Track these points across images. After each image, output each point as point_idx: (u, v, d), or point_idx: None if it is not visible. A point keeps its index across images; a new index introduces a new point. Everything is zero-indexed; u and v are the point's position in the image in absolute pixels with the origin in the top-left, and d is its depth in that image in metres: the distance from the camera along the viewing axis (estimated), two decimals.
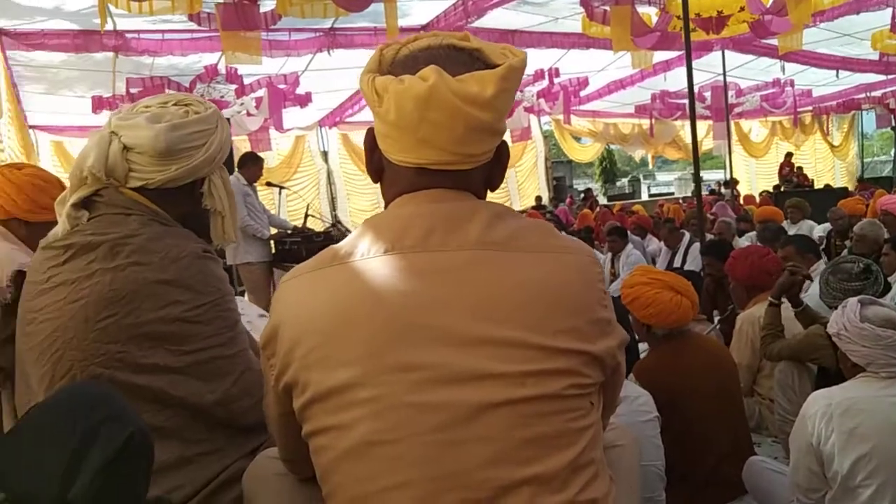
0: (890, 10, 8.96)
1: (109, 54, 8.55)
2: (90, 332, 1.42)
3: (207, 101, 1.71)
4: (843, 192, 11.31)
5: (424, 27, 9.57)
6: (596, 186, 31.91)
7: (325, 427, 1.02)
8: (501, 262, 1.03)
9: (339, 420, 1.00)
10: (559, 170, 27.18)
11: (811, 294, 3.65)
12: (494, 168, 1.15)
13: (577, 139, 18.48)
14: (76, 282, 1.45)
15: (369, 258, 1.05)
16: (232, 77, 10.19)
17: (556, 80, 11.97)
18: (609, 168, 32.79)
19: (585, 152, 19.10)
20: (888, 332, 2.16)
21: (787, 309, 3.32)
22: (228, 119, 10.10)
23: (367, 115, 12.37)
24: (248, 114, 11.19)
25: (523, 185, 17.61)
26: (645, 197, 23.58)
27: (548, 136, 18.85)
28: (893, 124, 16.60)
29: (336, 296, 1.04)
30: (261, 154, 7.82)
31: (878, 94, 15.80)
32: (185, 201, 1.63)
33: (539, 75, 11.75)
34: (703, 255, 5.27)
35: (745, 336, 3.43)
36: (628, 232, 7.91)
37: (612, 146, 21.09)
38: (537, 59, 11.13)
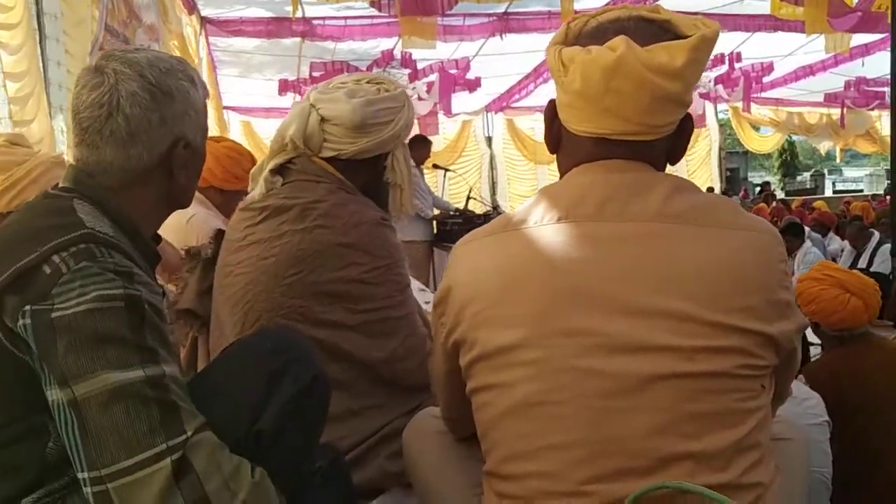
0: None
1: (297, 40, 9.17)
2: (278, 286, 1.58)
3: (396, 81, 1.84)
4: None
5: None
6: (774, 180, 29.84)
7: (490, 384, 1.06)
8: (680, 235, 1.03)
9: (503, 378, 1.04)
10: (733, 161, 25.71)
11: None
12: (677, 140, 1.14)
13: (757, 128, 17.35)
14: (268, 240, 1.62)
15: (543, 225, 1.07)
16: (406, 62, 10.56)
17: (736, 66, 11.31)
18: (790, 160, 30.48)
19: (765, 143, 17.89)
20: None
21: None
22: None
23: (532, 100, 12.39)
24: (420, 98, 11.55)
25: (694, 174, 16.81)
26: (829, 193, 21.71)
27: (723, 125, 17.85)
28: None
29: (509, 259, 1.07)
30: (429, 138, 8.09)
31: None
32: (369, 173, 1.77)
33: (718, 60, 11.14)
34: (894, 255, 4.82)
35: None
36: (807, 229, 7.37)
37: (795, 137, 19.60)
38: (718, 43, 10.54)
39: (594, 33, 1.08)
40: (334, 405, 1.58)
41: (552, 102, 1.15)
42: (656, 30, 1.07)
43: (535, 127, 14.52)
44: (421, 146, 6.71)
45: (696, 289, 1.00)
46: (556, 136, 1.16)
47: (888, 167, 24.54)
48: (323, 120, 1.68)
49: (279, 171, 1.72)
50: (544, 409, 1.01)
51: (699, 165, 16.81)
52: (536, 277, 1.04)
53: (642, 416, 0.98)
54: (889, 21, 5.44)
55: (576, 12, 9.29)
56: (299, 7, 7.44)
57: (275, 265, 1.60)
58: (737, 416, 1.00)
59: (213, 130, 8.87)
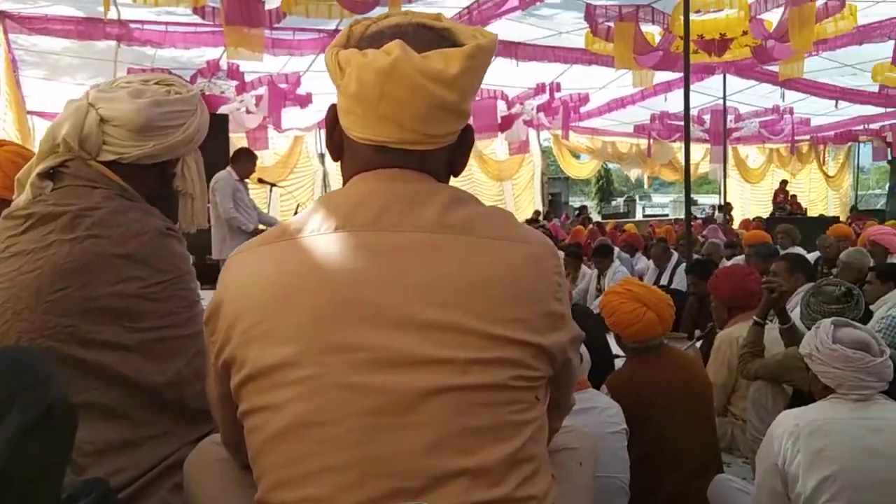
0: (892, 42, 9.03)
1: (112, 43, 8.56)
2: (41, 303, 1.40)
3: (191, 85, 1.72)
4: (835, 221, 11.33)
5: None
6: (591, 204, 32.03)
7: (259, 406, 1.00)
8: (456, 246, 1.02)
9: (272, 399, 0.98)
10: (556, 186, 27.30)
11: (794, 315, 3.66)
12: (458, 152, 1.13)
13: (576, 156, 18.54)
14: (32, 252, 1.43)
15: (319, 234, 1.03)
16: (233, 73, 10.22)
17: (556, 95, 12.04)
18: (605, 187, 32.92)
19: (582, 169, 19.15)
20: (859, 354, 2.15)
21: (770, 329, 3.32)
22: (227, 115, 10.16)
23: None
24: (248, 111, 11.21)
25: (519, 197, 17.65)
26: (639, 217, 23.64)
27: (545, 152, 18.90)
28: (889, 158, 16.66)
29: (280, 271, 1.02)
30: (258, 152, 7.83)
31: (876, 126, 15.90)
32: (155, 180, 1.63)
33: (540, 89, 11.81)
34: (688, 273, 5.28)
35: (723, 355, 3.42)
36: (617, 250, 7.93)
37: (610, 165, 21.18)
38: (539, 72, 11.18)
39: (373, 37, 1.06)
40: (112, 434, 1.43)
41: (333, 108, 1.11)
42: (435, 37, 1.06)
43: None
44: (245, 160, 6.49)
45: (471, 300, 0.99)
46: (338, 143, 1.13)
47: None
48: (102, 120, 1.52)
49: (49, 175, 1.53)
50: (315, 431, 0.96)
51: (523, 190, 17.65)
52: (308, 290, 0.99)
53: (416, 432, 0.94)
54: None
55: None
56: (113, 7, 6.93)
57: (38, 279, 1.41)
58: (511, 429, 0.99)
59: (13, 136, 8.04)
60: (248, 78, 10.33)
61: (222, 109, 10.37)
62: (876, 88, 11.57)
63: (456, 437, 0.95)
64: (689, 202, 6.07)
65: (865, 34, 8.80)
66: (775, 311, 3.26)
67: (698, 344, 4.40)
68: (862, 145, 18.39)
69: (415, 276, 0.99)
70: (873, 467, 2.08)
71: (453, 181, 1.15)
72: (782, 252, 7.76)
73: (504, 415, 0.98)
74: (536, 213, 16.49)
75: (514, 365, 0.99)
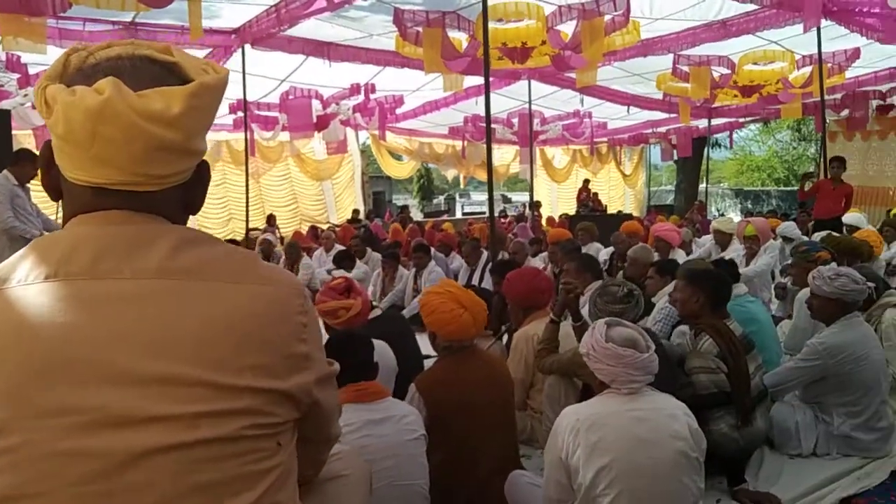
0: (671, 55, 10.01)
1: None
2: None
3: None
4: (630, 218, 12.36)
5: (236, 31, 9.27)
6: (414, 202, 32.57)
7: None
8: (185, 292, 0.95)
9: None
10: (379, 184, 27.46)
11: (584, 311, 3.93)
12: (194, 190, 1.07)
13: (397, 156, 18.76)
14: None
15: (27, 285, 0.93)
16: (14, 65, 9.25)
17: (371, 96, 12.09)
18: (427, 185, 33.59)
19: (402, 169, 19.42)
20: (628, 351, 2.35)
21: (564, 325, 3.54)
22: (9, 111, 9.15)
23: None
24: (34, 106, 10.17)
25: (340, 197, 17.57)
26: (459, 215, 24.38)
27: (365, 151, 18.96)
28: (675, 158, 18.45)
29: None
30: None
31: (662, 130, 17.55)
32: None
33: (355, 90, 11.79)
34: (492, 273, 5.50)
35: (520, 353, 3.60)
36: (433, 249, 8.11)
37: (430, 164, 21.65)
38: (354, 73, 11.17)
39: (88, 71, 0.98)
40: None
41: (48, 144, 1.01)
42: (160, 71, 0.99)
43: None
44: (26, 163, 5.88)
45: (200, 350, 0.93)
46: (55, 184, 1.03)
47: (502, 193, 28.13)
48: None
49: None
50: None
51: (344, 189, 17.59)
52: (15, 349, 0.89)
53: (135, 496, 0.88)
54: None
55: (211, 30, 9.05)
56: None
57: None
58: (248, 480, 0.95)
59: None
60: (31, 70, 9.36)
61: (3, 104, 9.36)
62: (661, 96, 12.78)
63: (184, 496, 0.90)
64: (493, 204, 6.32)
65: (648, 47, 9.67)
66: (570, 310, 3.48)
67: (504, 339, 4.60)
68: (652, 146, 20.22)
69: (135, 327, 0.92)
70: (642, 454, 2.28)
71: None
72: (583, 247, 8.39)
73: (239, 467, 0.94)
74: (355, 212, 16.49)
75: (248, 414, 0.95)
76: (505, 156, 19.31)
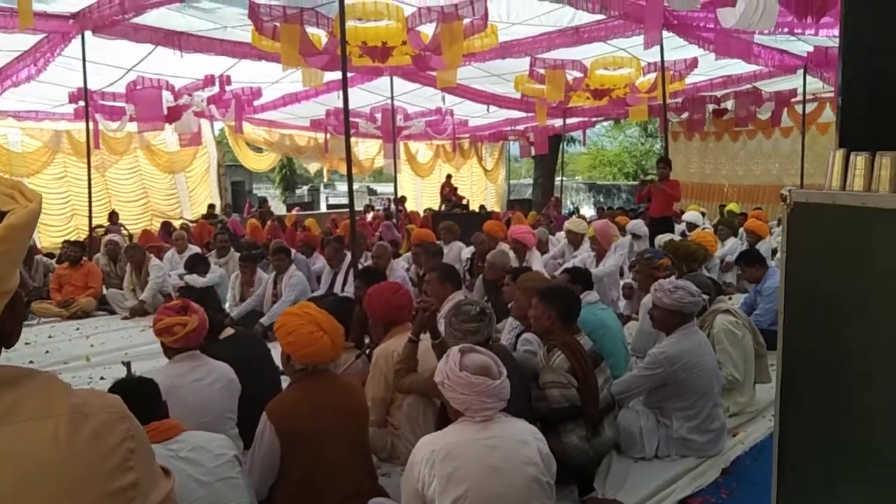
0: (528, 58, 10.30)
1: None
2: None
3: None
4: (491, 216, 12.65)
5: (74, 16, 8.56)
6: (276, 193, 31.66)
7: None
8: None
9: None
10: (238, 174, 26.44)
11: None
12: (5, 325, 0.96)
13: (258, 148, 18.13)
14: None
15: None
16: None
17: (227, 88, 11.59)
18: (289, 176, 32.66)
19: (262, 161, 18.80)
20: (481, 379, 2.38)
21: (427, 341, 3.53)
22: None
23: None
24: None
25: (195, 191, 16.77)
26: (323, 208, 24.00)
27: (222, 142, 18.18)
28: (533, 154, 19.09)
29: None
30: None
31: (521, 128, 18.09)
32: None
33: (209, 81, 11.26)
34: (356, 278, 5.41)
35: (380, 370, 3.57)
36: (294, 251, 7.90)
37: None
38: (207, 64, 10.66)
39: None
40: None
41: None
42: None
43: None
44: None
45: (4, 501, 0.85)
46: None
47: (368, 185, 27.99)
48: None
49: None
50: None
51: (199, 182, 16.80)
52: None
53: None
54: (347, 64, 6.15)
55: (47, 15, 8.30)
56: None
57: None
58: None
59: None
60: None
61: None
62: (519, 96, 13.15)
63: None
64: (354, 206, 6.15)
65: (506, 50, 9.90)
66: (428, 327, 3.48)
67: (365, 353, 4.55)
68: (512, 143, 20.81)
69: None
70: (496, 483, 2.32)
71: None
72: (446, 246, 8.48)
73: None
74: (211, 207, 15.79)
75: None
76: (369, 150, 19.19)
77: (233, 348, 3.66)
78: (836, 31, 8.08)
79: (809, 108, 12.81)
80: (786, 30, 8.23)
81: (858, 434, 1.88)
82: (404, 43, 8.61)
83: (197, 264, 7.56)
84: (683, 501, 3.31)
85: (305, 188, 32.42)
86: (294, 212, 17.58)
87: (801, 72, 11.06)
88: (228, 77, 11.16)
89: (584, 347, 3.41)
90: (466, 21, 7.80)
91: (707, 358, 3.71)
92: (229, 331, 3.88)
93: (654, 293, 3.78)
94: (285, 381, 3.71)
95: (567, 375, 3.27)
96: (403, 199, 16.62)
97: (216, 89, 11.50)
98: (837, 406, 1.97)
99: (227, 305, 7.24)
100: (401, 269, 7.32)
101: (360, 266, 6.49)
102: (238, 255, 8.22)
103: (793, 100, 13.23)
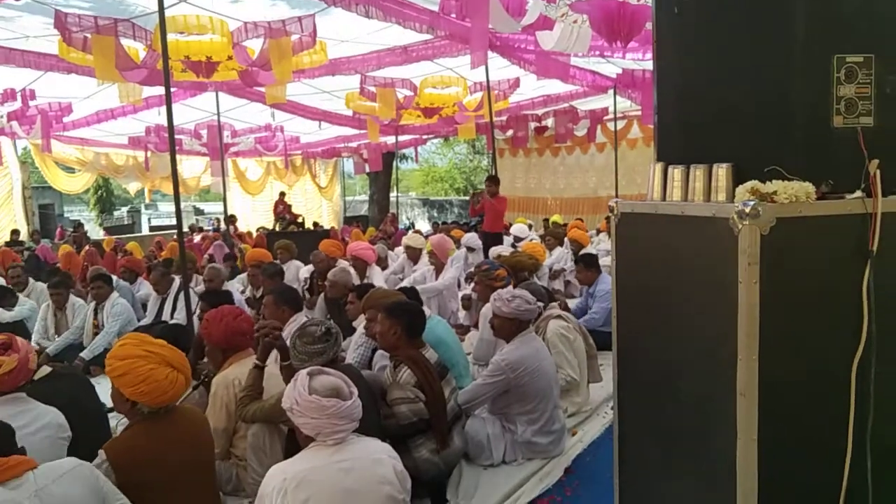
0: (358, 75, 10.33)
1: None
2: None
3: None
4: (328, 234, 12.51)
5: None
6: (91, 216, 29.34)
7: None
8: None
9: None
10: (47, 197, 24.23)
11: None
12: None
13: (70, 168, 16.68)
14: None
15: None
16: None
17: (31, 103, 10.59)
18: (106, 197, 30.33)
19: (74, 182, 17.34)
20: (332, 401, 2.33)
21: (272, 366, 3.40)
22: None
23: None
24: None
25: None
26: (145, 230, 22.57)
27: (26, 162, 16.57)
28: (367, 170, 19.15)
29: None
30: None
31: (354, 144, 18.09)
32: None
33: (9, 95, 10.23)
34: (200, 300, 5.11)
35: (220, 400, 3.39)
36: (115, 278, 7.34)
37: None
38: (7, 77, 9.69)
39: None
40: None
41: None
42: None
43: None
44: None
45: None
46: None
47: (194, 205, 26.68)
48: None
49: None
50: None
51: (1, 206, 15.19)
52: None
53: None
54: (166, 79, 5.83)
55: None
56: None
57: None
58: None
59: None
60: None
61: None
62: (351, 113, 13.14)
63: None
64: (182, 226, 5.79)
65: (336, 67, 9.86)
66: (278, 350, 3.36)
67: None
68: (346, 159, 20.73)
69: None
70: None
71: None
72: (283, 265, 8.26)
73: None
74: (15, 233, 14.31)
75: None
76: (195, 167, 18.31)
77: (53, 389, 3.30)
78: (642, 55, 8.91)
79: (620, 125, 13.95)
80: (597, 53, 8.89)
81: (686, 421, 2.05)
82: (230, 58, 8.32)
83: (2, 296, 6.79)
84: (532, 502, 3.45)
85: (125, 210, 30.34)
86: (105, 235, 16.34)
87: (611, 91, 11.98)
88: (32, 91, 10.21)
89: (429, 361, 3.45)
90: (295, 37, 7.69)
91: (545, 362, 3.89)
92: (46, 369, 3.50)
93: (494, 303, 3.91)
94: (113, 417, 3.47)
95: (414, 390, 3.29)
96: (234, 218, 16.00)
97: (18, 104, 10.47)
98: (665, 397, 2.14)
99: (34, 339, 6.52)
100: (235, 291, 7.03)
101: (191, 290, 6.14)
102: (41, 285, 7.47)
103: (605, 117, 14.31)
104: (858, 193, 1.80)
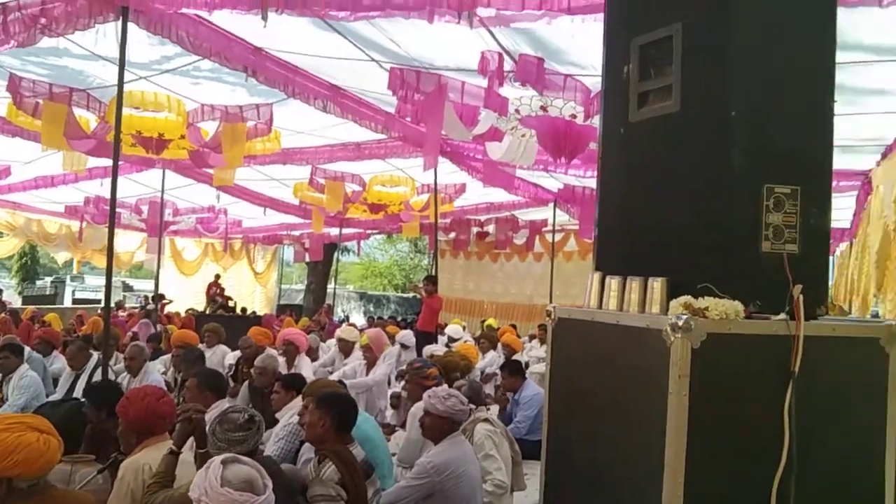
0: (309, 166, 10.46)
1: None
2: None
3: None
4: (257, 321, 12.24)
5: None
6: (11, 283, 28.07)
7: None
8: None
9: None
10: None
11: None
12: None
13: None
14: None
15: None
16: None
17: None
18: (30, 265, 29.07)
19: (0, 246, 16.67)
20: (245, 496, 2.22)
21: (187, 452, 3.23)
22: None
23: None
24: None
25: None
26: (68, 302, 21.67)
27: None
28: (307, 259, 19.05)
29: None
30: None
31: (297, 233, 18.06)
32: None
33: None
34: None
35: (127, 485, 3.17)
36: (28, 349, 6.97)
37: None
38: None
39: None
40: None
41: None
42: None
43: None
44: None
45: None
46: None
47: (123, 280, 25.79)
48: None
49: None
50: None
51: None
52: None
53: None
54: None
55: None
56: None
57: None
58: None
59: None
60: None
61: None
62: (297, 202, 13.20)
63: None
64: (110, 301, 5.64)
65: (288, 156, 9.98)
66: (195, 435, 3.20)
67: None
68: (286, 247, 20.62)
69: None
70: None
71: None
72: (209, 350, 8.01)
73: None
74: None
75: None
76: (130, 242, 17.89)
77: None
78: (583, 172, 9.32)
79: (558, 237, 14.39)
80: (542, 167, 9.27)
81: None
82: (182, 137, 8.33)
83: None
84: None
85: (48, 279, 29.15)
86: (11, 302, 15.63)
87: (551, 205, 12.42)
88: None
89: (356, 458, 3.35)
90: (250, 124, 7.79)
91: (471, 466, 3.82)
92: None
93: (428, 400, 3.85)
94: None
95: (336, 487, 3.17)
96: (163, 297, 15.54)
97: None
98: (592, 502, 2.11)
99: None
100: (156, 372, 6.75)
101: (110, 369, 5.87)
102: None
103: (544, 229, 14.76)
104: (783, 316, 1.88)
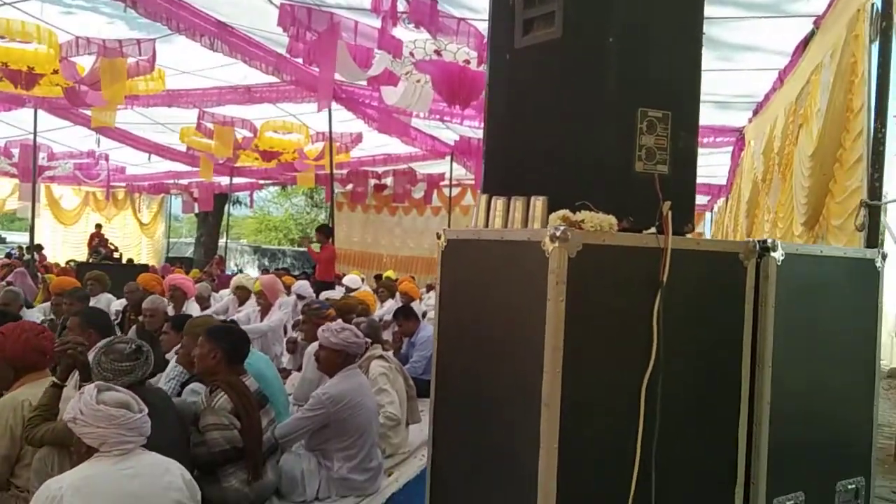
0: (196, 110, 10.02)
1: None
2: None
3: None
4: (145, 269, 11.78)
5: None
6: None
7: None
8: None
9: None
10: None
11: None
12: None
13: None
14: None
15: None
16: None
17: None
18: None
19: None
20: (121, 412, 2.26)
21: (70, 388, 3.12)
22: None
23: None
24: None
25: None
26: None
27: None
28: (196, 211, 18.39)
29: None
30: None
31: (185, 182, 17.36)
32: None
33: None
34: None
35: (5, 422, 3.06)
36: None
37: None
38: None
39: None
40: None
41: None
42: None
43: None
44: None
45: None
46: None
47: None
48: None
49: None
50: None
51: None
52: None
53: None
54: None
55: None
56: None
57: None
58: None
59: None
60: None
61: None
62: (185, 148, 12.66)
63: None
64: None
65: (174, 98, 9.54)
66: (78, 368, 3.11)
67: None
68: (174, 197, 19.80)
69: None
70: None
71: None
72: (93, 299, 7.67)
73: None
74: None
75: None
76: (1, 189, 16.67)
77: None
78: (479, 123, 9.43)
79: (455, 191, 14.53)
80: (437, 116, 9.31)
81: (496, 445, 2.14)
82: (55, 72, 7.79)
83: None
84: None
85: None
86: None
87: (448, 158, 12.50)
88: None
89: (249, 388, 3.35)
90: (131, 60, 7.38)
91: (367, 398, 3.90)
92: None
93: (322, 334, 3.89)
94: None
95: (230, 416, 3.18)
96: (40, 247, 14.64)
97: None
98: (478, 419, 2.23)
99: None
100: (35, 318, 6.42)
101: None
102: None
103: (441, 183, 14.86)
104: (653, 230, 2.03)
